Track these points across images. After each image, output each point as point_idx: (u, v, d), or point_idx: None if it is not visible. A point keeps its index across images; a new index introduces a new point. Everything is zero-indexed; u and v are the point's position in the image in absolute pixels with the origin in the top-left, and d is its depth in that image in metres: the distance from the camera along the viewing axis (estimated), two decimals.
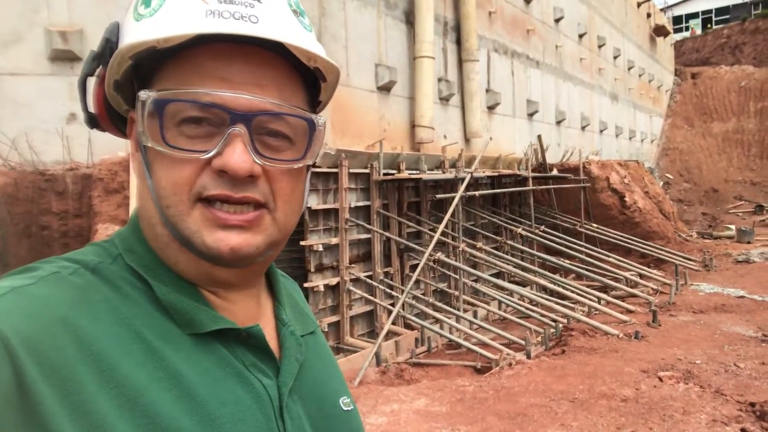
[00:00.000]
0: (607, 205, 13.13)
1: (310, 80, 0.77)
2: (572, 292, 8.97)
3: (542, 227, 11.46)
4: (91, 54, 0.74)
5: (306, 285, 7.03)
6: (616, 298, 8.94)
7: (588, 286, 9.61)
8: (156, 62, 0.69)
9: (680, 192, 22.14)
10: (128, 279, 0.70)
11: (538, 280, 9.47)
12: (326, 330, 7.26)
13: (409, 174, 8.35)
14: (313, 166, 0.80)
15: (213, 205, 0.68)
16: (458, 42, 10.42)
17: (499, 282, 9.24)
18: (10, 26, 6.11)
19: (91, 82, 0.75)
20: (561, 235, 11.35)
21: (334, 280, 7.41)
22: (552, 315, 7.94)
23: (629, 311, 8.15)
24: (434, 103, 9.23)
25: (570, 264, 10.42)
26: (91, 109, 0.78)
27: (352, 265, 7.66)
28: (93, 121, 0.79)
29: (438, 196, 8.81)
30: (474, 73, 10.41)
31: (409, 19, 9.06)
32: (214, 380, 0.68)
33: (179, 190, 0.67)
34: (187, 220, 0.68)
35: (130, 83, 0.73)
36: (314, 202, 7.17)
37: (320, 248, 7.17)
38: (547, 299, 8.55)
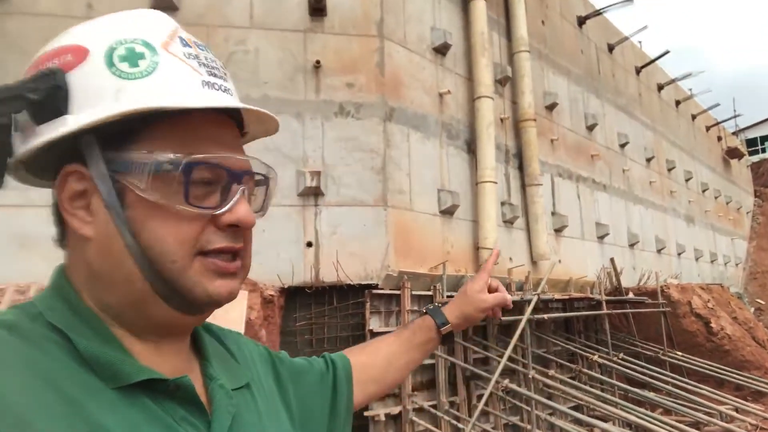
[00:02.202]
0: (691, 331, 12.20)
1: None
2: (661, 427, 8.12)
3: (621, 355, 10.69)
4: (22, 95, 0.67)
5: (366, 414, 6.74)
6: None
7: (678, 421, 8.68)
8: (138, 123, 0.69)
9: None
10: (48, 336, 0.67)
11: (622, 413, 8.67)
12: None
13: None
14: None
15: (209, 256, 0.73)
16: (520, 167, 10.59)
17: (578, 415, 8.52)
18: None
19: None
20: (643, 363, 10.52)
21: (396, 409, 7.06)
22: None
23: None
24: (498, 225, 9.22)
25: (656, 396, 9.53)
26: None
27: (415, 393, 7.32)
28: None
29: (504, 318, 8.50)
30: (538, 196, 10.42)
31: (471, 148, 9.36)
32: None
33: (185, 245, 0.71)
34: (189, 272, 0.71)
35: (76, 137, 0.68)
36: (376, 324, 7.07)
37: None
38: None
